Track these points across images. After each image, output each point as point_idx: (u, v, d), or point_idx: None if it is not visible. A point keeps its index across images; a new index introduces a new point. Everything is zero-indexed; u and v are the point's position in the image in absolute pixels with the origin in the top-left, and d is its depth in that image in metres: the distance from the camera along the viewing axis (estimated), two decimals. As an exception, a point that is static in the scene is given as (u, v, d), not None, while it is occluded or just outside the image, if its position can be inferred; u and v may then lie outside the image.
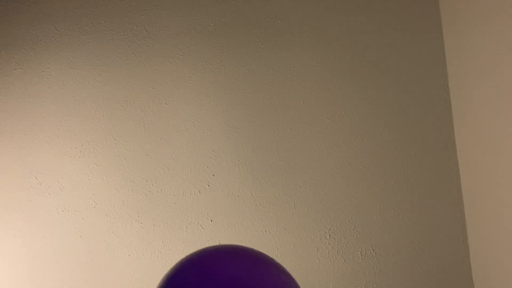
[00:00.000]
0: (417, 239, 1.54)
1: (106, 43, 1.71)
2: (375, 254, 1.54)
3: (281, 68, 1.66)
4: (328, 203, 1.57)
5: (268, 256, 0.99)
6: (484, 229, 1.43)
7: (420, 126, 1.60)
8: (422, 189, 1.56)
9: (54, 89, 1.69)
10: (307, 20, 1.68)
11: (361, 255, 1.55)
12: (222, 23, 1.69)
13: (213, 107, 1.65)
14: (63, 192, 1.62)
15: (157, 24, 1.71)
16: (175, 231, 1.58)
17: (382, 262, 1.54)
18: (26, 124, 1.67)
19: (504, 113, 1.27)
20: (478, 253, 1.48)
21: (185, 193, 1.61)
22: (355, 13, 1.67)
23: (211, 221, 1.59)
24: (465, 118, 1.52)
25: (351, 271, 1.54)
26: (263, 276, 0.91)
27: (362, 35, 1.66)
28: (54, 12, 1.74)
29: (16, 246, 1.61)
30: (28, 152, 1.66)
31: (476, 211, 1.48)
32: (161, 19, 1.71)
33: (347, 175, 1.58)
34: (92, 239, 1.60)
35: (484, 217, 1.43)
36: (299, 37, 1.67)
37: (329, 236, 1.56)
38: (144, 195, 1.61)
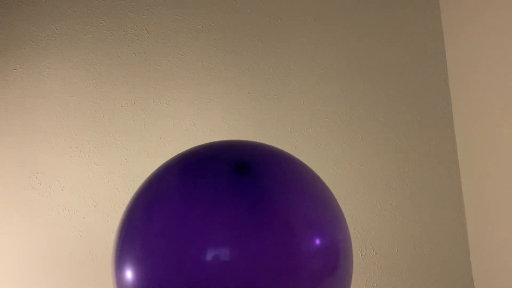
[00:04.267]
0: (418, 239, 1.54)
1: (107, 42, 1.71)
2: (376, 253, 1.55)
3: (281, 68, 1.66)
4: (328, 202, 1.57)
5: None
6: (484, 228, 1.44)
7: (421, 125, 1.60)
8: (423, 189, 1.57)
9: (55, 89, 1.69)
10: (307, 20, 1.68)
11: (361, 255, 1.55)
12: (223, 23, 1.69)
13: (214, 106, 1.65)
14: (64, 192, 1.62)
15: (158, 24, 1.71)
16: (175, 230, 1.58)
17: (383, 261, 1.54)
18: (26, 123, 1.67)
19: (505, 113, 1.27)
20: (478, 252, 1.48)
21: (186, 192, 1.61)
22: (355, 12, 1.67)
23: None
24: (466, 117, 1.52)
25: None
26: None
27: (362, 35, 1.66)
28: (54, 12, 1.73)
29: (16, 245, 1.60)
30: (28, 151, 1.65)
31: (476, 210, 1.48)
32: (161, 19, 1.71)
33: (347, 175, 1.59)
34: (92, 239, 1.59)
35: (484, 216, 1.43)
36: (299, 37, 1.67)
37: (330, 235, 1.56)
38: (144, 195, 1.61)
